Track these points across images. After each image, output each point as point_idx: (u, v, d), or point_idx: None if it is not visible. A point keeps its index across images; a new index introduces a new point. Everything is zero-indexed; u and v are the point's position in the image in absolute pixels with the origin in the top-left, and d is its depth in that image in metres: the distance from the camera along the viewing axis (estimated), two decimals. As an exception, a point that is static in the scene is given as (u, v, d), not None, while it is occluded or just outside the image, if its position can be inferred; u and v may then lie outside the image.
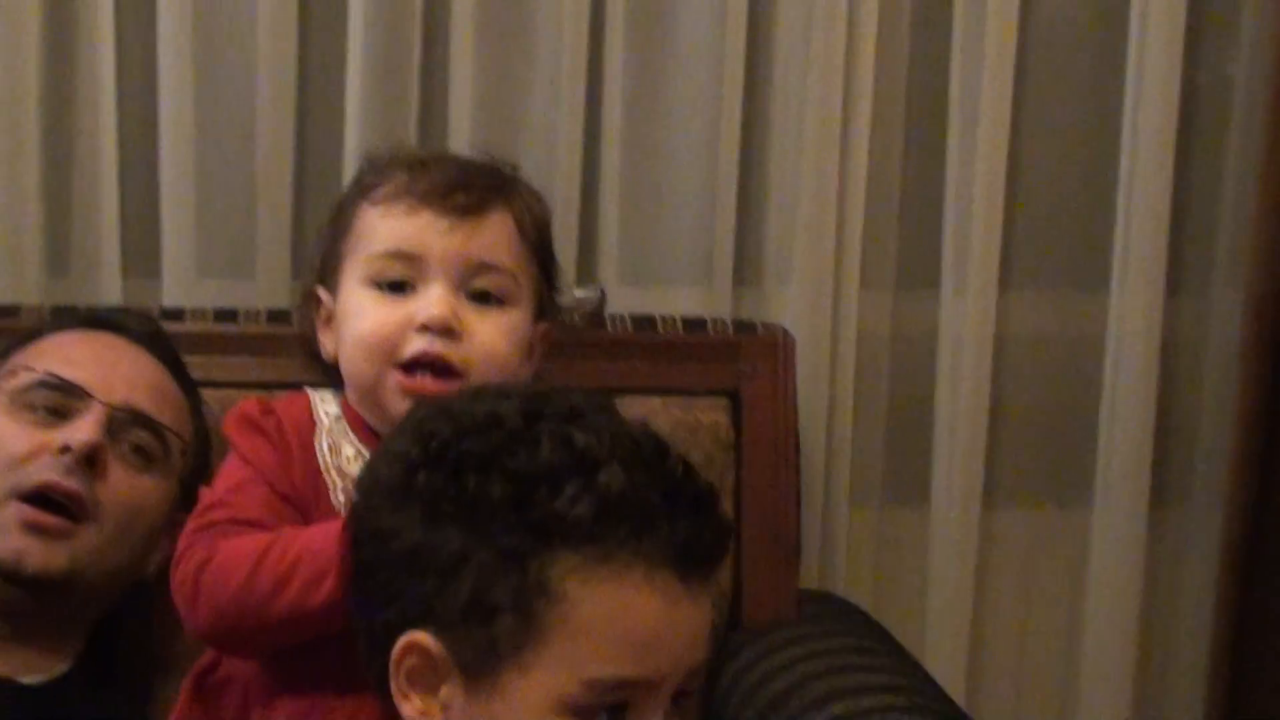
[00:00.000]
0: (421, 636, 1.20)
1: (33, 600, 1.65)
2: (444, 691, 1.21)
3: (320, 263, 1.63)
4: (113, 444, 1.68)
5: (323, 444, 1.56)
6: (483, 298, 1.54)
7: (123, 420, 1.69)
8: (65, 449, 1.64)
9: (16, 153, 2.07)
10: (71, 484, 1.64)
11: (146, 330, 1.82)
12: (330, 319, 1.60)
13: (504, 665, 1.18)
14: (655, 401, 1.94)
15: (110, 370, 1.72)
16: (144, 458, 1.71)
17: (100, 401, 1.68)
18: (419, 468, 1.22)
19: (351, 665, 1.32)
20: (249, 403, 1.61)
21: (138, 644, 1.81)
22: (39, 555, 1.63)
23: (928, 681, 1.78)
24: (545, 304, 1.62)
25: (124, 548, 1.70)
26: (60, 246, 2.12)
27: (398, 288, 1.53)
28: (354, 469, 1.54)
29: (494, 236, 1.54)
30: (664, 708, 1.22)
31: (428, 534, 1.20)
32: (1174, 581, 2.35)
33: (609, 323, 2.01)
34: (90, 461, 1.65)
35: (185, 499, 1.75)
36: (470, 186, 1.55)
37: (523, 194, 1.60)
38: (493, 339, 1.53)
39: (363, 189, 1.60)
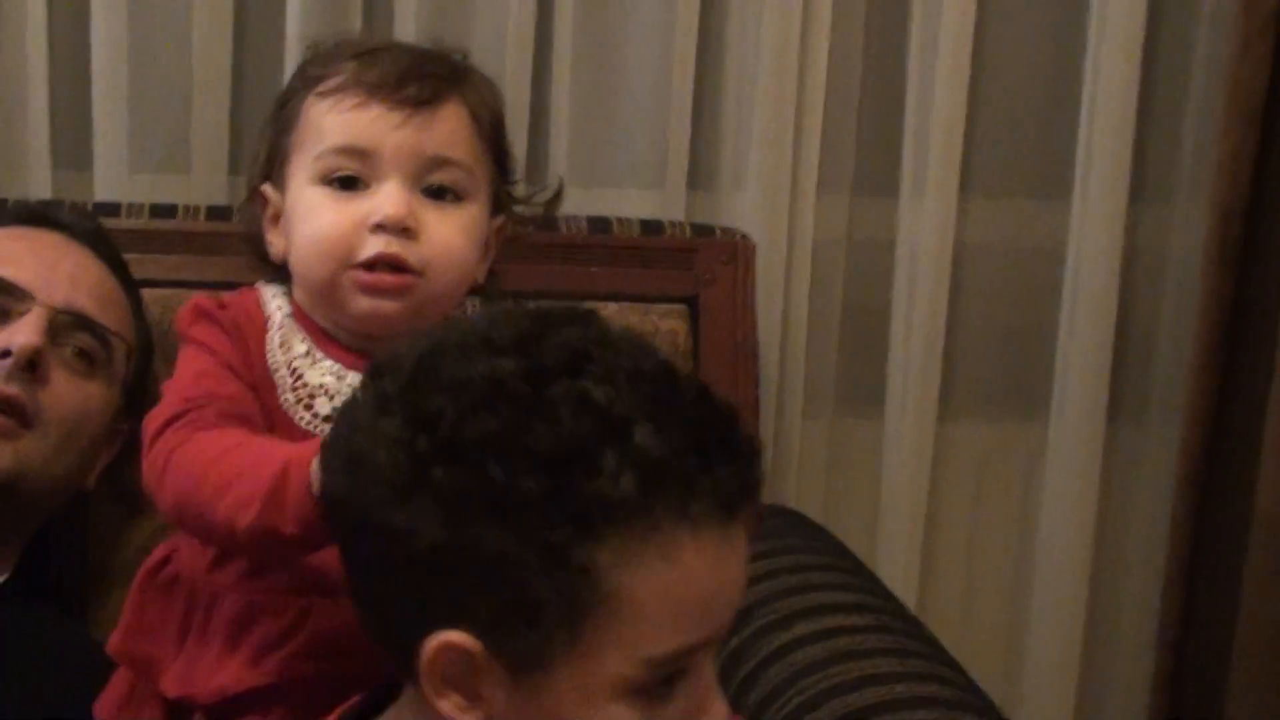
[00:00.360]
0: (459, 637, 1.10)
1: (-26, 505, 1.58)
2: (486, 688, 1.12)
3: (265, 159, 1.55)
4: (54, 348, 1.62)
5: (274, 340, 1.49)
6: (438, 193, 1.46)
7: (65, 323, 1.63)
8: (5, 353, 1.58)
9: (-63, 39, 2.00)
10: (11, 389, 1.58)
11: (88, 227, 1.75)
12: (278, 217, 1.53)
13: (555, 658, 1.09)
14: (611, 308, 1.90)
15: (51, 269, 1.65)
16: (87, 362, 1.65)
17: (41, 303, 1.62)
18: (432, 461, 1.09)
19: (303, 563, 1.27)
20: (201, 297, 1.52)
21: (73, 557, 1.76)
22: None
23: (887, 598, 1.77)
24: (500, 199, 1.55)
25: (68, 456, 1.64)
26: None
27: (350, 184, 1.46)
28: (305, 367, 1.47)
29: (449, 129, 1.46)
30: (714, 668, 1.16)
31: (454, 533, 1.08)
32: (1129, 496, 2.35)
33: (562, 225, 1.96)
34: (32, 366, 1.59)
35: (129, 406, 1.69)
36: (423, 76, 1.46)
37: (477, 83, 1.53)
38: (450, 236, 1.45)
39: (308, 81, 1.51)
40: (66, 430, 1.62)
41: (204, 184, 2.05)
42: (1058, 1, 2.22)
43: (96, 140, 2.04)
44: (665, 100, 2.11)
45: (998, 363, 2.29)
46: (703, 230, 2.00)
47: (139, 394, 1.71)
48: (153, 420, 1.39)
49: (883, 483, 2.26)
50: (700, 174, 2.16)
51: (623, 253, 1.95)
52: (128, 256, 1.78)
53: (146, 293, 1.80)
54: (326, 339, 1.49)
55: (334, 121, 1.46)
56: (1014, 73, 2.23)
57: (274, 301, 1.51)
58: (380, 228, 1.43)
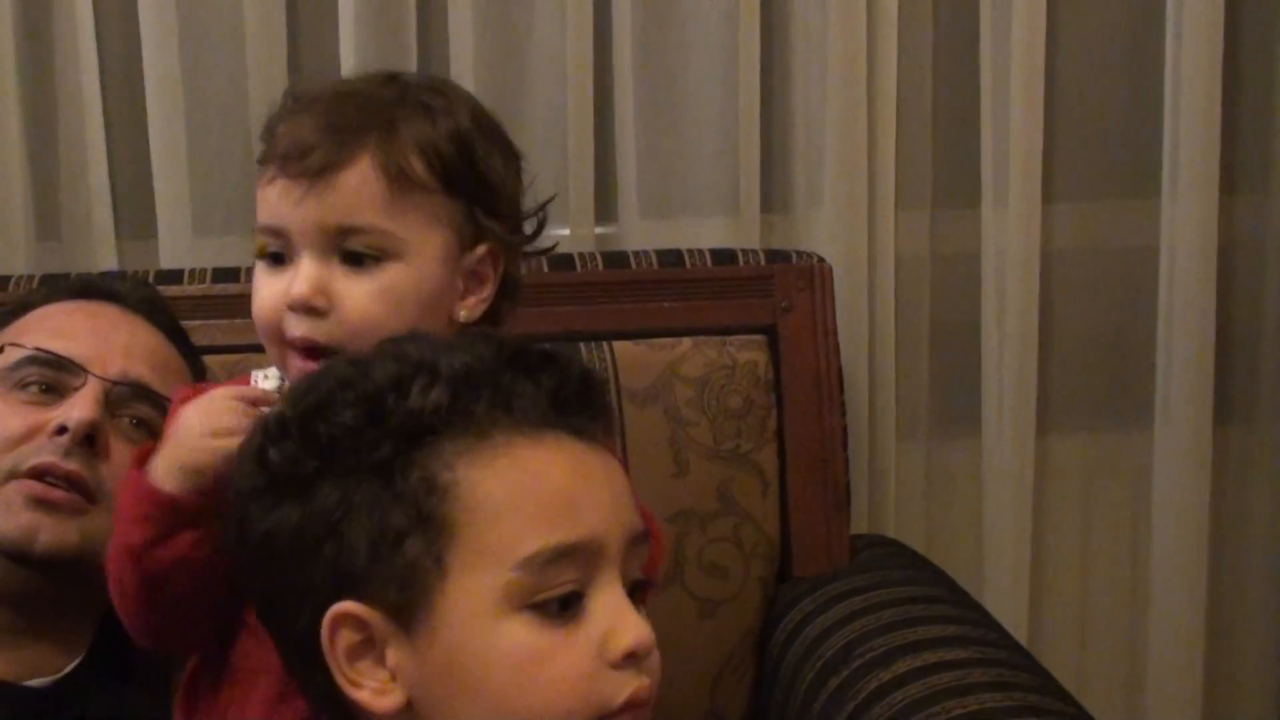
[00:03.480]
0: (343, 606, 1.11)
1: (43, 585, 1.57)
2: (391, 657, 1.12)
3: None
4: (112, 420, 1.60)
5: None
6: (356, 259, 1.37)
7: (122, 394, 1.61)
8: (61, 429, 1.55)
9: (-7, 113, 2.00)
10: (71, 465, 1.55)
11: (142, 296, 1.73)
12: None
13: (431, 587, 1.09)
14: (686, 343, 1.87)
15: (105, 341, 1.63)
16: (147, 432, 1.62)
17: (96, 375, 1.60)
18: (268, 446, 1.14)
19: None
20: (183, 390, 1.45)
21: (151, 633, 1.72)
22: (50, 531, 1.54)
23: (993, 628, 1.71)
24: (480, 227, 1.42)
25: None
26: (49, 210, 2.06)
27: (280, 260, 1.38)
28: None
29: (350, 195, 1.36)
30: (620, 586, 1.12)
31: (304, 506, 1.12)
32: (1242, 503, 2.29)
33: (632, 260, 1.92)
34: (90, 440, 1.56)
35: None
36: (324, 143, 1.36)
37: (405, 121, 1.39)
38: (363, 303, 1.36)
39: None
40: None
41: (270, 243, 2.03)
42: (1131, -6, 2.19)
43: (159, 208, 2.04)
44: (733, 123, 2.08)
45: (1096, 371, 2.24)
46: (777, 256, 1.95)
47: (204, 462, 1.67)
48: None
49: (985, 504, 2.21)
50: (774, 197, 2.14)
51: (696, 285, 1.91)
52: (193, 323, 1.77)
53: (213, 358, 1.78)
54: None
55: (260, 197, 1.40)
56: (1091, 68, 2.19)
57: (264, 385, 1.44)
58: (292, 309, 1.37)
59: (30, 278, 1.87)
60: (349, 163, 1.36)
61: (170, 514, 1.32)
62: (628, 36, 2.06)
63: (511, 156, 1.45)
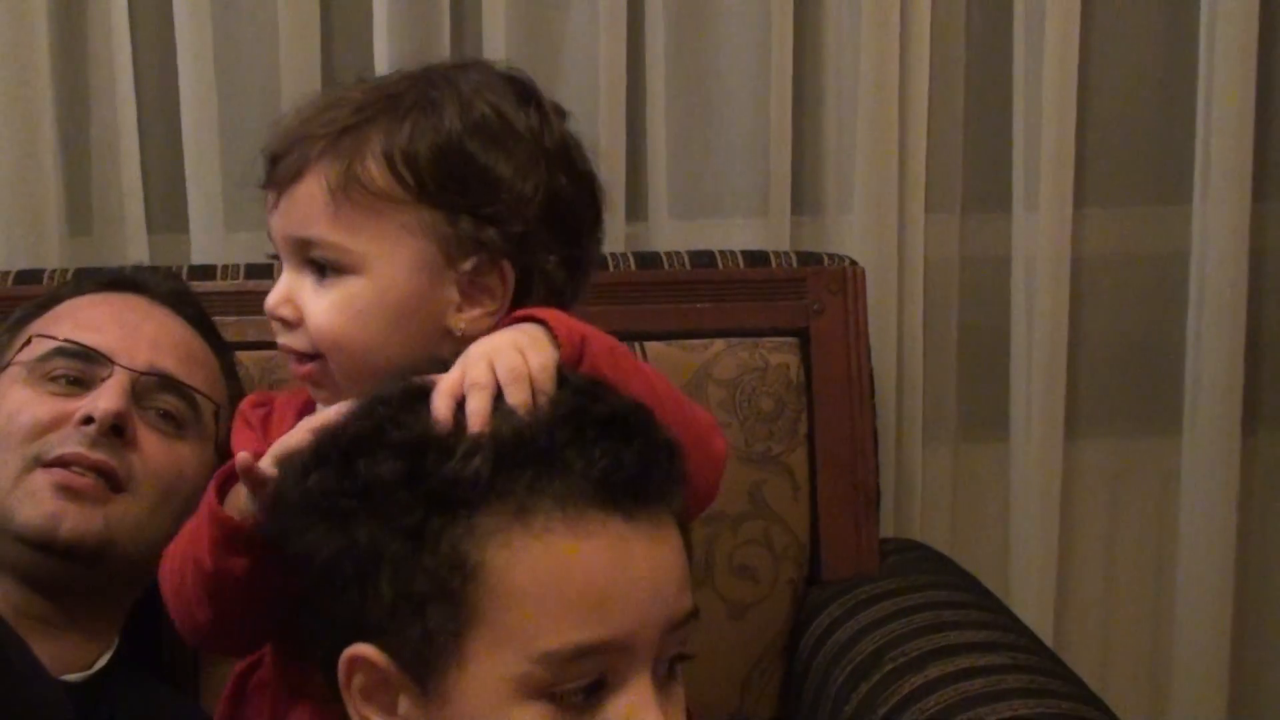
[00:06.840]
0: (361, 648, 1.11)
1: (69, 574, 1.58)
2: (403, 706, 1.12)
3: None
4: (139, 410, 1.61)
5: None
6: (321, 269, 1.36)
7: (148, 385, 1.62)
8: (88, 419, 1.57)
9: (29, 107, 2.00)
10: (97, 455, 1.56)
11: (169, 288, 1.75)
12: None
13: (448, 659, 1.09)
14: (719, 344, 1.87)
15: (132, 333, 1.65)
16: (174, 424, 1.63)
17: (123, 366, 1.61)
18: (310, 470, 1.14)
19: None
20: (250, 396, 1.50)
21: (181, 630, 1.73)
22: (74, 519, 1.55)
23: (1024, 634, 1.71)
24: (464, 239, 1.34)
25: (163, 520, 1.60)
26: (81, 204, 2.07)
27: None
28: None
29: (301, 210, 1.35)
30: (651, 674, 1.10)
31: (338, 540, 1.11)
32: (1270, 510, 2.28)
33: (665, 261, 1.92)
34: (117, 431, 1.57)
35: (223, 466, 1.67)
36: (290, 152, 1.36)
37: (373, 127, 1.34)
38: (323, 315, 1.35)
39: None
40: (160, 492, 1.60)
41: (303, 237, 2.04)
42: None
43: (191, 203, 2.04)
44: (764, 125, 2.08)
45: (1125, 377, 2.23)
46: (809, 259, 1.95)
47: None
48: None
49: (1011, 509, 2.20)
50: (804, 199, 2.13)
51: (729, 287, 1.90)
52: (226, 319, 1.78)
53: (245, 354, 1.78)
54: None
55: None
56: (1124, 73, 2.18)
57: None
58: (269, 318, 1.40)
59: (63, 271, 1.87)
60: (302, 175, 1.36)
61: (230, 536, 1.27)
62: (660, 36, 2.06)
63: (519, 154, 1.35)
